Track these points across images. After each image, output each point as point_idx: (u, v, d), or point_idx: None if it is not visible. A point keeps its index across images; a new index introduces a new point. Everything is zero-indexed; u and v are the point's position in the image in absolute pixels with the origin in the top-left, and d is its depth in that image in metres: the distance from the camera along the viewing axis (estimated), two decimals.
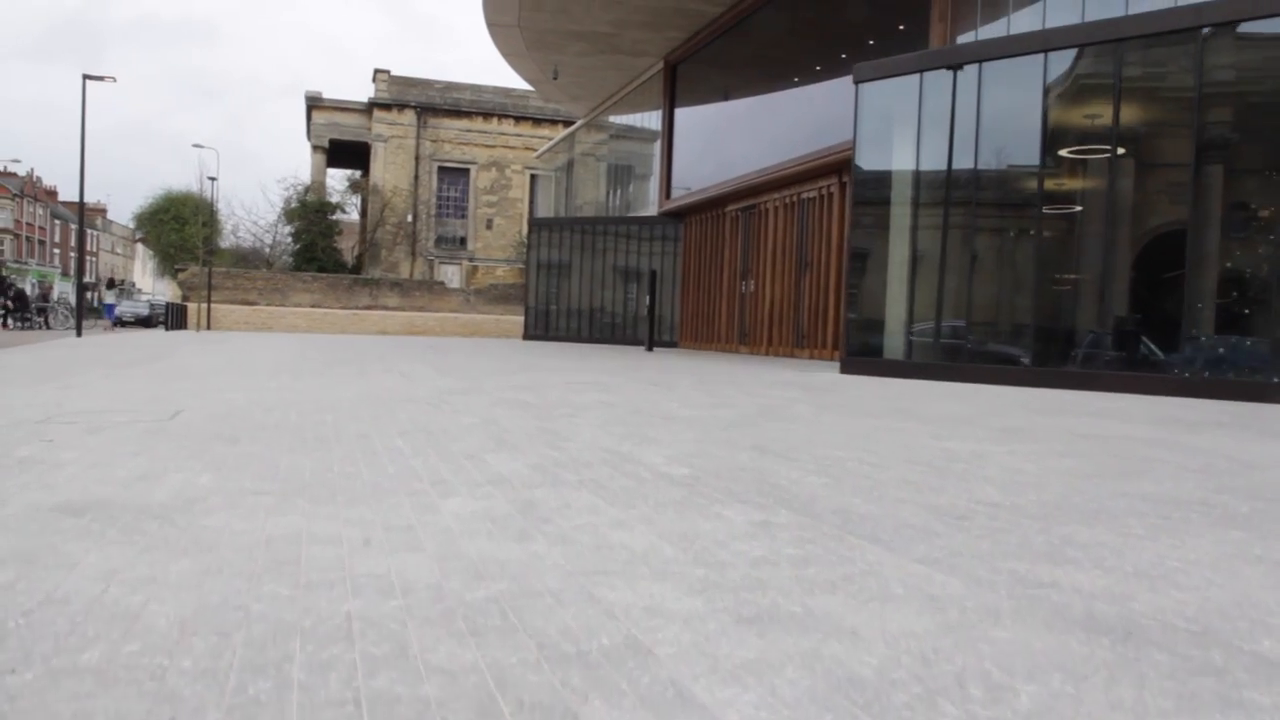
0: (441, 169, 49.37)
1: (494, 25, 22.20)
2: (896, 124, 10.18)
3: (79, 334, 22.10)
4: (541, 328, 26.13)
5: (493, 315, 43.30)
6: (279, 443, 4.36)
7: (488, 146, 49.52)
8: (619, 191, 30.04)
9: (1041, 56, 8.74)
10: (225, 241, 47.56)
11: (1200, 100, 8.16)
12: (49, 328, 32.47)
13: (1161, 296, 8.67)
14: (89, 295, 55.91)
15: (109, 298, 42.23)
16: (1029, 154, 9.35)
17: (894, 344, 9.90)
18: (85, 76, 22.04)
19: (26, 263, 77.23)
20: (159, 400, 6.49)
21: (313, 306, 41.21)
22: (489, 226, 50.02)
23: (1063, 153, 9.53)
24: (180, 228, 48.48)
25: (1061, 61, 8.93)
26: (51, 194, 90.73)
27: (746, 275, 19.98)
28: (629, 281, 25.45)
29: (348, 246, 48.76)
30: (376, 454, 4.03)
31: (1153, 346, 8.48)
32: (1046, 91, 8.90)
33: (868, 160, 10.62)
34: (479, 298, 43.94)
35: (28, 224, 78.53)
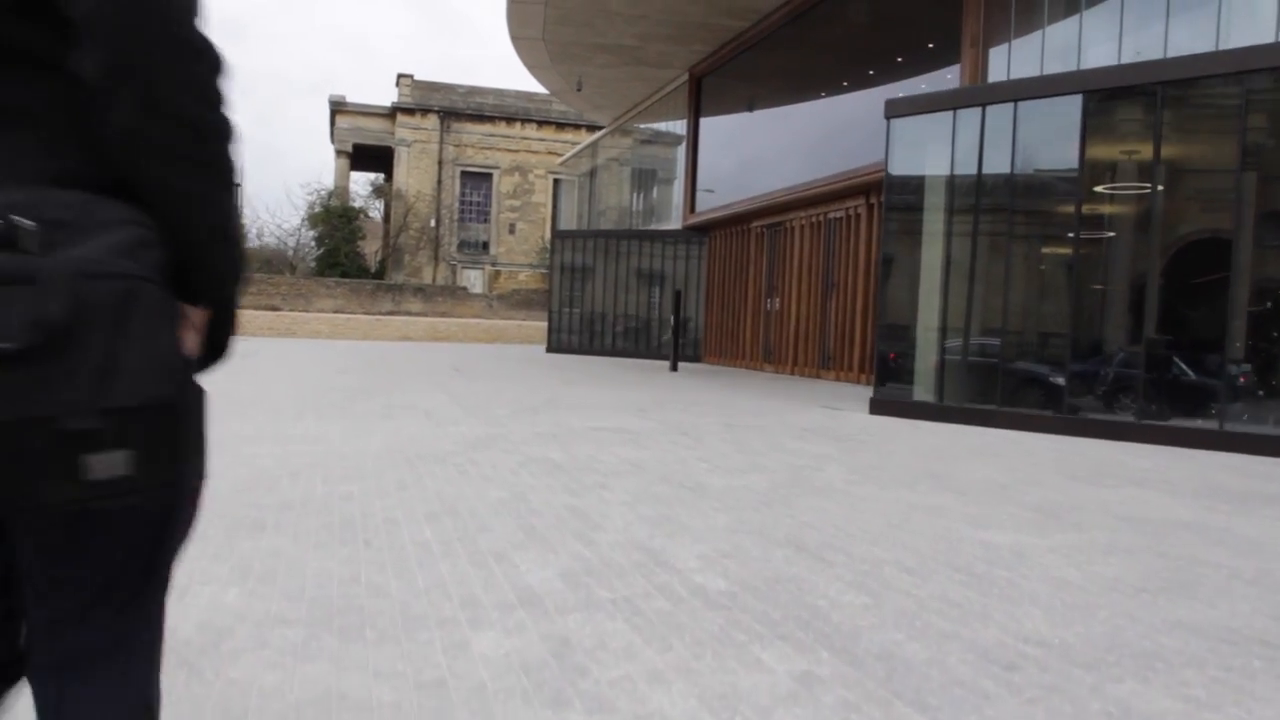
0: (464, 173, 49.40)
1: (518, 39, 22.14)
2: (928, 160, 10.04)
3: None
4: (565, 341, 26.08)
5: (515, 321, 43.32)
6: (305, 532, 4.30)
7: (510, 151, 49.51)
8: (643, 195, 29.95)
9: (1079, 97, 8.56)
10: (249, 243, 47.75)
11: (1244, 143, 8.00)
12: None
13: (1200, 346, 8.52)
14: None
15: None
16: (1066, 190, 9.21)
17: (923, 390, 9.76)
18: None
19: None
20: None
21: (336, 312, 41.38)
22: (512, 231, 50.03)
23: (1100, 189, 9.38)
24: None
25: (1099, 100, 8.76)
26: None
27: (772, 293, 19.84)
28: (652, 292, 25.35)
29: (371, 251, 48.90)
30: (405, 554, 3.96)
31: (1184, 367, 8.31)
32: (1084, 131, 8.73)
33: (898, 197, 10.49)
34: (502, 303, 44.01)
35: None
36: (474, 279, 48.55)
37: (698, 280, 23.79)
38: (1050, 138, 9.09)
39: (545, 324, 28.20)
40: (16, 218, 0.97)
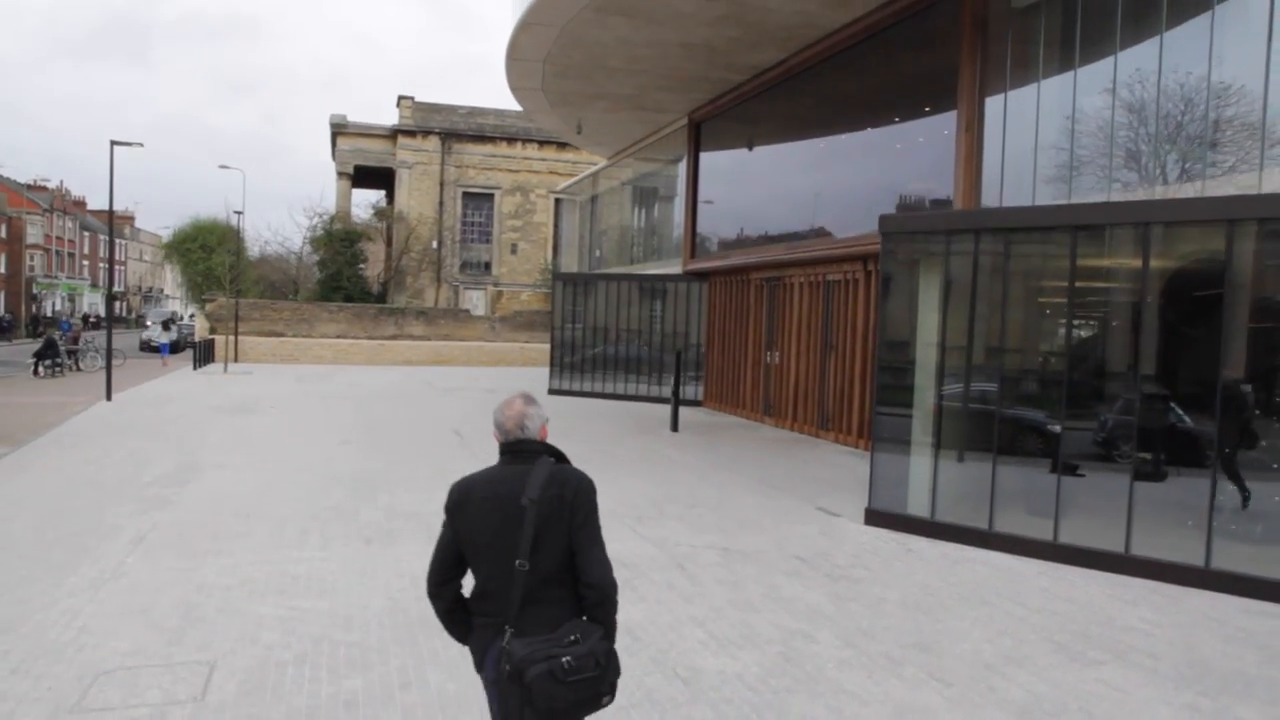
0: (466, 194, 49.57)
1: (518, 89, 22.26)
2: (922, 281, 10.18)
3: (109, 396, 22.32)
4: (566, 381, 26.22)
5: (517, 343, 43.52)
6: None
7: (512, 171, 49.66)
8: (644, 212, 30.04)
9: (1070, 231, 8.70)
10: (252, 253, 47.88)
11: (1231, 287, 8.13)
12: (79, 369, 32.92)
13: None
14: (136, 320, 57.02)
15: (163, 337, 43.37)
16: (1054, 318, 9.37)
17: (918, 502, 9.90)
18: (113, 143, 22.29)
19: (56, 276, 78.26)
20: (181, 635, 6.40)
21: (338, 337, 41.58)
22: (513, 251, 50.18)
23: (1090, 316, 9.52)
24: (207, 256, 48.93)
25: (1091, 233, 8.90)
26: (80, 204, 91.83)
27: (771, 346, 19.98)
28: (654, 334, 25.47)
29: (373, 274, 49.07)
30: None
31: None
32: (1074, 259, 8.86)
33: (893, 323, 10.65)
34: (504, 325, 44.16)
35: (57, 238, 79.49)
36: (476, 299, 48.72)
37: (699, 322, 23.92)
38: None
39: (548, 346, 28.37)
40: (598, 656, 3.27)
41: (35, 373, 29.66)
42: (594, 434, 17.72)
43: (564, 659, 3.15)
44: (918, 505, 9.88)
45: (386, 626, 6.85)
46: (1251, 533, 8.54)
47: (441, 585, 3.54)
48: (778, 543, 9.42)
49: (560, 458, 3.49)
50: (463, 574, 3.55)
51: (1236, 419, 8.35)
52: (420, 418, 19.65)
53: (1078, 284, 9.00)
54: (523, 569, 3.27)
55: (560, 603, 3.32)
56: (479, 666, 3.44)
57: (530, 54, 18.99)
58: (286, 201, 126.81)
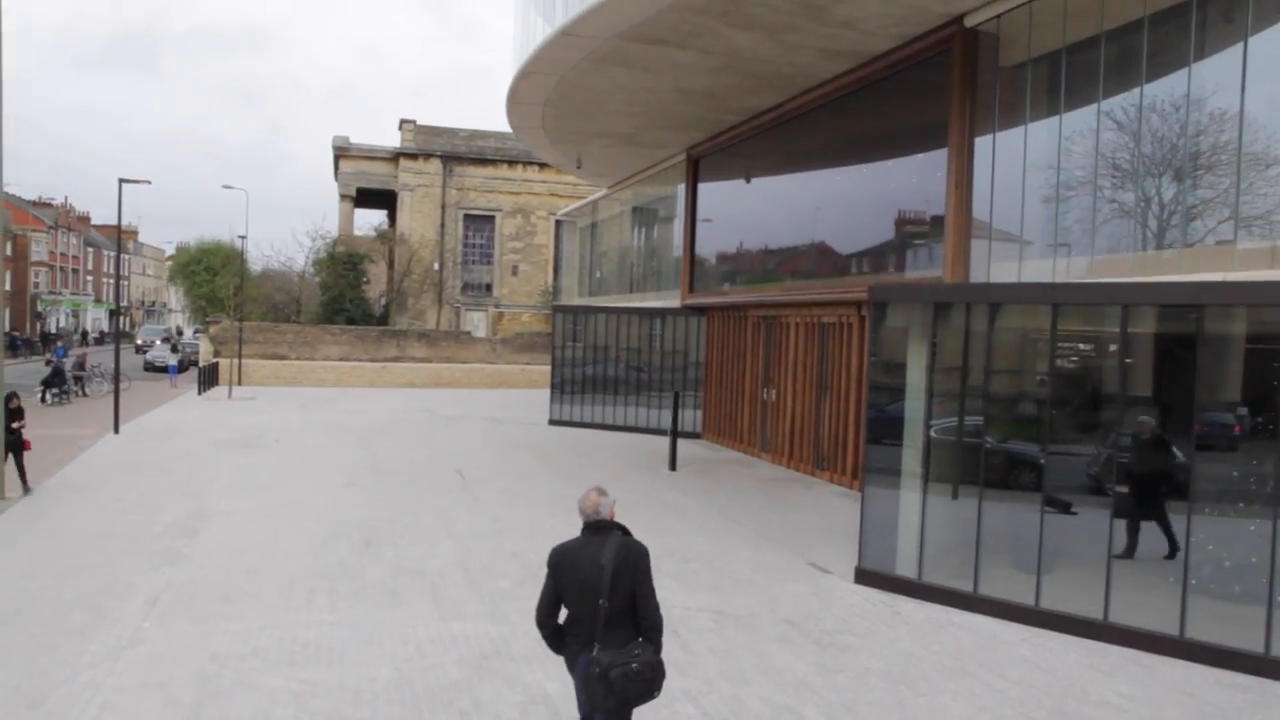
0: (467, 216, 50.06)
1: (519, 128, 22.68)
2: (910, 347, 10.54)
3: (116, 428, 22.66)
4: (567, 411, 26.58)
5: (518, 365, 43.91)
6: None
7: (513, 193, 50.16)
8: (644, 234, 30.37)
9: (1050, 307, 9.08)
10: (254, 266, 48.31)
11: (1199, 365, 8.48)
12: (85, 395, 33.27)
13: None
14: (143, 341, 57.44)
15: (171, 359, 44.08)
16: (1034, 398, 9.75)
17: (905, 563, 10.23)
18: (121, 180, 22.70)
19: (60, 293, 78.66)
20: (199, 711, 6.77)
21: (341, 359, 41.98)
22: (514, 273, 50.64)
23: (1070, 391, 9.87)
24: (211, 279, 49.35)
25: (1070, 311, 9.27)
26: (84, 220, 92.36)
27: (769, 383, 20.32)
28: (653, 364, 25.79)
29: (375, 296, 49.48)
30: None
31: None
32: (1054, 337, 9.22)
33: (882, 380, 11.00)
34: (505, 347, 44.56)
35: (61, 254, 79.93)
36: (477, 320, 49.14)
37: (697, 349, 24.27)
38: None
39: (548, 368, 28.75)
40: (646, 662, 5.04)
41: (42, 400, 30.01)
42: (592, 473, 18.02)
43: (633, 665, 4.99)
44: (905, 565, 10.21)
45: (394, 702, 7.17)
46: (1230, 592, 8.87)
47: (547, 618, 5.33)
48: (770, 604, 9.76)
49: (625, 531, 5.33)
50: (559, 610, 5.31)
51: (1158, 467, 8.94)
52: (423, 456, 19.97)
53: (1059, 345, 9.35)
54: (604, 606, 5.07)
55: (627, 628, 5.14)
56: (571, 670, 5.31)
57: (530, 98, 19.40)
58: (290, 209, 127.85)
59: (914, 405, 10.35)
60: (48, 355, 37.15)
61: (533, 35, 18.32)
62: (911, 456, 10.34)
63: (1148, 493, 9.12)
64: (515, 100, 19.82)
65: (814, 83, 17.19)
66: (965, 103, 13.64)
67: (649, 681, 5.04)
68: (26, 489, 15.06)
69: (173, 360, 44.17)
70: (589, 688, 5.10)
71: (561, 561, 5.27)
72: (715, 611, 9.42)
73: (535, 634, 8.65)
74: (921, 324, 10.41)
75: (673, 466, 18.30)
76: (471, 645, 8.44)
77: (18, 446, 15.22)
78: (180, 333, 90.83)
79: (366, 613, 9.32)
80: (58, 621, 8.89)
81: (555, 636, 5.35)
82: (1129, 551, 9.19)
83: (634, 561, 5.18)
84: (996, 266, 12.85)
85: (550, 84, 18.12)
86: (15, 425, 15.29)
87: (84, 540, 12.03)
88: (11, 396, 15.38)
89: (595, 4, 14.00)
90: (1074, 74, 11.92)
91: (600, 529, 5.30)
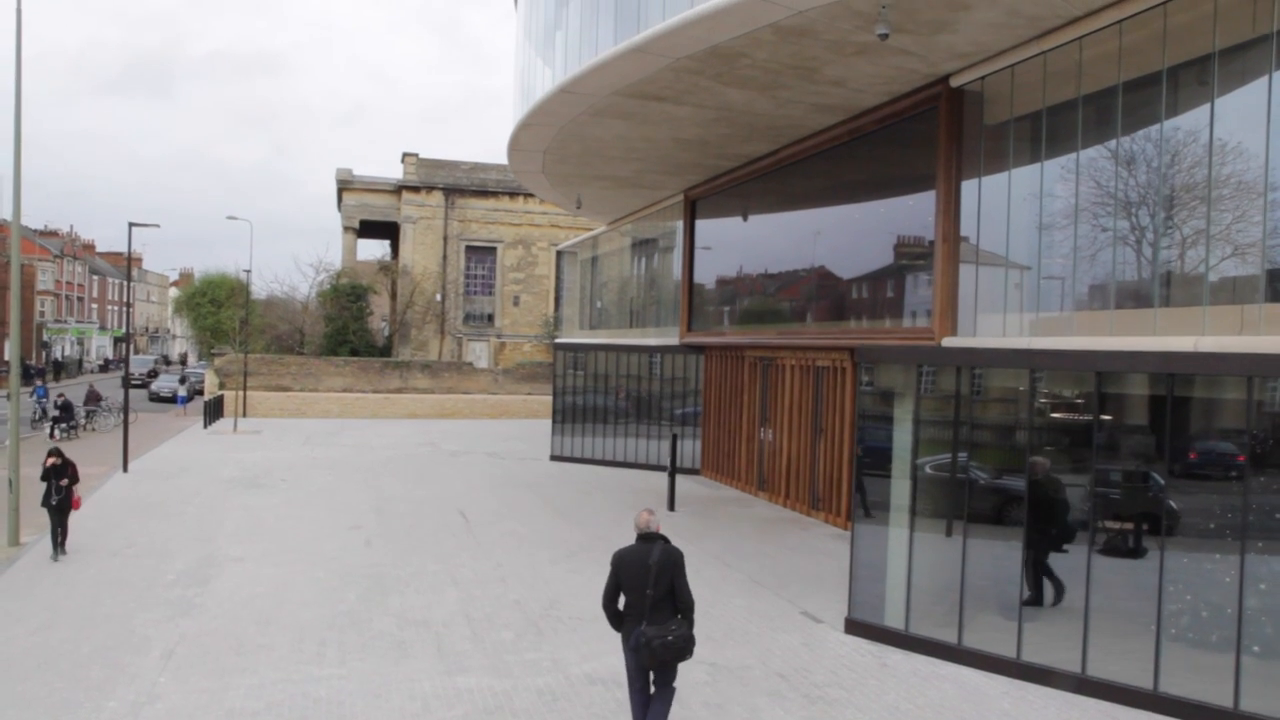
0: (469, 247, 50.64)
1: (520, 172, 23.20)
2: (897, 405, 10.95)
3: (125, 466, 23.05)
4: (568, 447, 26.98)
5: (520, 395, 44.33)
6: None
7: (514, 225, 50.76)
8: (644, 265, 30.78)
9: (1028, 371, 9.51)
10: (258, 294, 48.74)
11: (1170, 422, 8.89)
12: (93, 429, 33.67)
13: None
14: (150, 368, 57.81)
15: (181, 390, 44.86)
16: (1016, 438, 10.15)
17: (894, 613, 10.61)
18: (131, 224, 23.19)
19: (66, 321, 79.21)
20: None
21: (345, 390, 42.42)
22: (516, 303, 51.15)
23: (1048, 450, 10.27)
24: (216, 310, 49.84)
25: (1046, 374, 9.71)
26: (89, 247, 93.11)
27: (765, 423, 20.72)
28: (652, 400, 26.19)
29: (378, 327, 49.98)
30: None
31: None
32: (1033, 396, 9.64)
33: (870, 432, 11.40)
34: (507, 377, 44.97)
35: (67, 283, 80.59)
36: (479, 351, 49.60)
37: (697, 388, 24.68)
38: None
39: (550, 398, 29.17)
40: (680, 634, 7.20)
41: (51, 435, 30.42)
42: (593, 515, 18.42)
43: (669, 636, 7.08)
44: (894, 616, 10.58)
45: None
46: (1206, 641, 9.23)
47: (610, 602, 7.42)
48: (762, 656, 10.13)
49: (667, 540, 7.43)
50: (619, 597, 7.38)
51: (1051, 516, 9.66)
52: (426, 496, 20.36)
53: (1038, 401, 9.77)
54: (650, 594, 7.16)
55: (668, 609, 7.22)
56: (625, 641, 7.34)
57: (531, 146, 19.91)
58: (296, 232, 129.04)
59: (900, 461, 10.75)
60: (30, 389, 37.35)
61: (532, 76, 18.97)
62: (900, 513, 10.72)
63: (1038, 534, 9.78)
64: (516, 148, 20.33)
65: (806, 133, 17.69)
66: (952, 158, 14.09)
67: (681, 649, 7.13)
68: (61, 552, 14.17)
69: (182, 391, 44.80)
70: (637, 653, 7.16)
71: (621, 562, 7.37)
72: (709, 664, 9.79)
73: (536, 686, 9.09)
74: (906, 383, 10.82)
75: (671, 507, 18.66)
76: (475, 700, 8.80)
77: (66, 506, 14.21)
78: (185, 361, 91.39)
79: (374, 665, 9.70)
80: (77, 676, 9.27)
81: (616, 617, 7.41)
82: (1036, 598, 9.89)
83: (673, 562, 7.26)
84: (983, 319, 13.27)
85: (550, 134, 18.62)
86: (64, 482, 14.21)
87: (98, 588, 12.41)
88: (53, 454, 14.46)
89: (593, 64, 14.53)
90: (1053, 132, 12.38)
91: (649, 538, 7.38)
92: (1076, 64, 11.82)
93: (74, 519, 14.66)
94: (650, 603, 7.08)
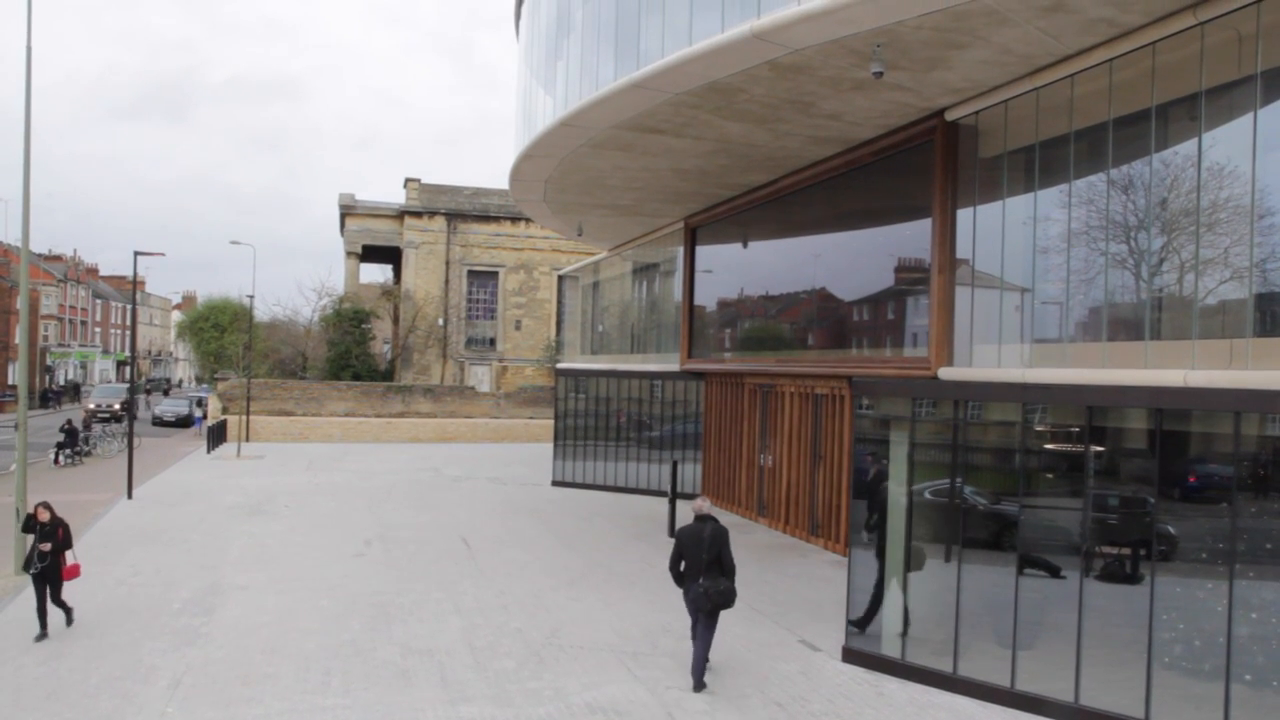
0: (471, 272, 50.98)
1: (521, 201, 23.48)
2: (892, 434, 11.13)
3: (129, 492, 23.21)
4: (570, 472, 27.14)
5: (522, 419, 44.50)
6: None
7: (515, 249, 51.13)
8: (645, 289, 31.00)
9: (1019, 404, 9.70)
10: (260, 316, 49.06)
11: (1160, 456, 9.06)
12: (97, 454, 33.82)
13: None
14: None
15: (198, 411, 46.24)
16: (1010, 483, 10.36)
17: (890, 642, 10.75)
18: (136, 253, 23.45)
19: (69, 345, 79.54)
20: None
21: (347, 415, 42.60)
22: (518, 327, 51.43)
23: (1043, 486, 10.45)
24: (219, 335, 50.14)
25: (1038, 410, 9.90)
26: (92, 271, 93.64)
27: (765, 449, 20.88)
28: (653, 425, 26.37)
29: (380, 352, 50.25)
30: None
31: None
32: (1024, 430, 9.83)
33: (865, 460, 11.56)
34: (509, 401, 45.16)
35: (70, 307, 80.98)
36: (481, 375, 49.83)
37: (697, 412, 24.85)
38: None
39: (551, 422, 29.34)
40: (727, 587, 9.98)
41: (55, 461, 30.59)
42: (594, 540, 18.56)
43: (719, 587, 9.84)
44: (890, 644, 10.72)
45: None
46: (1199, 670, 9.35)
47: (675, 566, 10.15)
48: (760, 685, 10.26)
49: (716, 520, 10.13)
50: (680, 562, 10.09)
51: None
52: (429, 523, 20.50)
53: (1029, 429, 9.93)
54: (704, 559, 9.88)
55: (717, 571, 9.89)
56: (686, 594, 10.10)
57: (532, 177, 20.19)
58: (302, 254, 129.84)
59: (897, 489, 10.91)
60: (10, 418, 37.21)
61: (533, 104, 19.24)
62: (895, 545, 10.88)
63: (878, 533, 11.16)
64: (518, 179, 20.60)
65: (804, 164, 17.95)
66: (947, 190, 14.33)
67: (727, 598, 9.85)
68: (67, 622, 12.10)
69: (198, 412, 46.33)
70: (696, 601, 9.88)
71: (682, 535, 10.11)
72: (709, 693, 9.92)
73: (538, 715, 9.23)
74: (901, 414, 11.01)
75: (671, 533, 18.78)
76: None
77: (54, 576, 11.77)
78: (181, 384, 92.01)
79: (378, 695, 9.83)
80: (86, 707, 9.40)
81: (679, 577, 10.09)
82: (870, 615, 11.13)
83: (720, 536, 9.98)
84: (979, 349, 13.47)
85: (551, 165, 18.89)
86: (45, 548, 11.66)
87: (106, 617, 12.54)
88: (40, 508, 11.94)
89: (594, 99, 14.80)
90: (1046, 165, 12.62)
91: (703, 519, 10.08)
92: (1068, 100, 12.08)
93: (79, 545, 13.98)
94: (704, 565, 9.78)
